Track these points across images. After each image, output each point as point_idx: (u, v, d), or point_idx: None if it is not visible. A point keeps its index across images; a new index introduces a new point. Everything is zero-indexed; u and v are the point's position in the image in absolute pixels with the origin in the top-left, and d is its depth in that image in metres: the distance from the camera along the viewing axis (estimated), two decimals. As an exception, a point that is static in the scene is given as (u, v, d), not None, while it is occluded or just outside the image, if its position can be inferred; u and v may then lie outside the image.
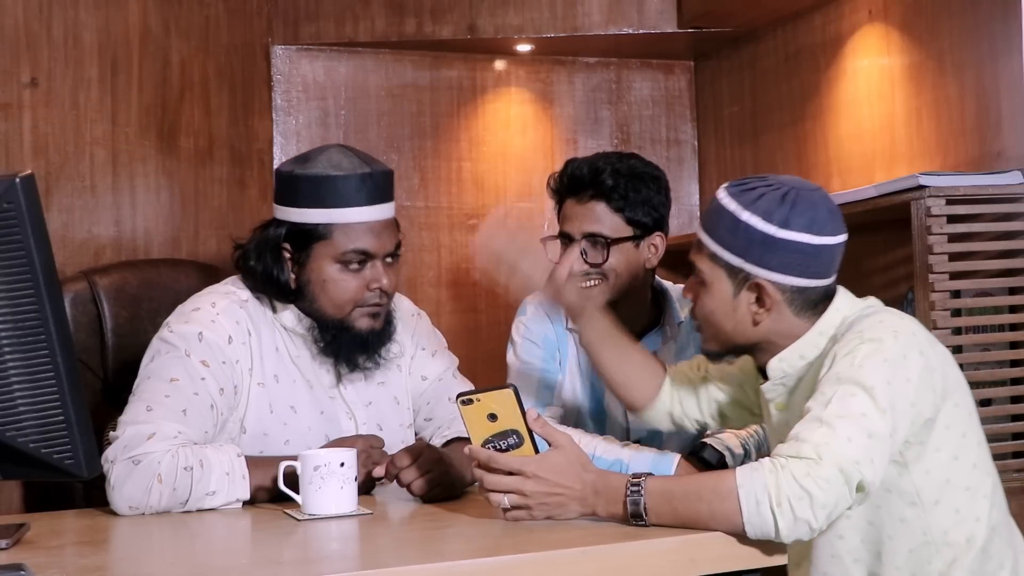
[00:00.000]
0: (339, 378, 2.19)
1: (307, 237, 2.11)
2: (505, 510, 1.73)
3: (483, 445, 1.75)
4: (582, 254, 2.38)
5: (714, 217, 1.80)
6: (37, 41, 2.89)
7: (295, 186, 2.12)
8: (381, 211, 2.13)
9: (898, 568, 1.71)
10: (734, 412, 2.07)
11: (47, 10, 2.90)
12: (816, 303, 1.80)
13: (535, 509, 1.72)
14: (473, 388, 1.80)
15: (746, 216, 1.75)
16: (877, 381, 1.64)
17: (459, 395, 1.77)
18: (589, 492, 1.72)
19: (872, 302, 1.84)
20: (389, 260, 2.16)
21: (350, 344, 2.15)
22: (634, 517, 1.68)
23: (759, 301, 1.78)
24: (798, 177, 1.86)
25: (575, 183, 2.39)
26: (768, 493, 1.58)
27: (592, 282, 2.40)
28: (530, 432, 1.76)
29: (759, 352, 1.84)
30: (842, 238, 1.80)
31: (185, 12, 3.18)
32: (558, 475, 1.72)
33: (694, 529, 1.65)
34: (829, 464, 1.58)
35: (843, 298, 1.83)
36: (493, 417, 1.76)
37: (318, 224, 2.10)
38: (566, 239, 2.42)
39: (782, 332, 1.80)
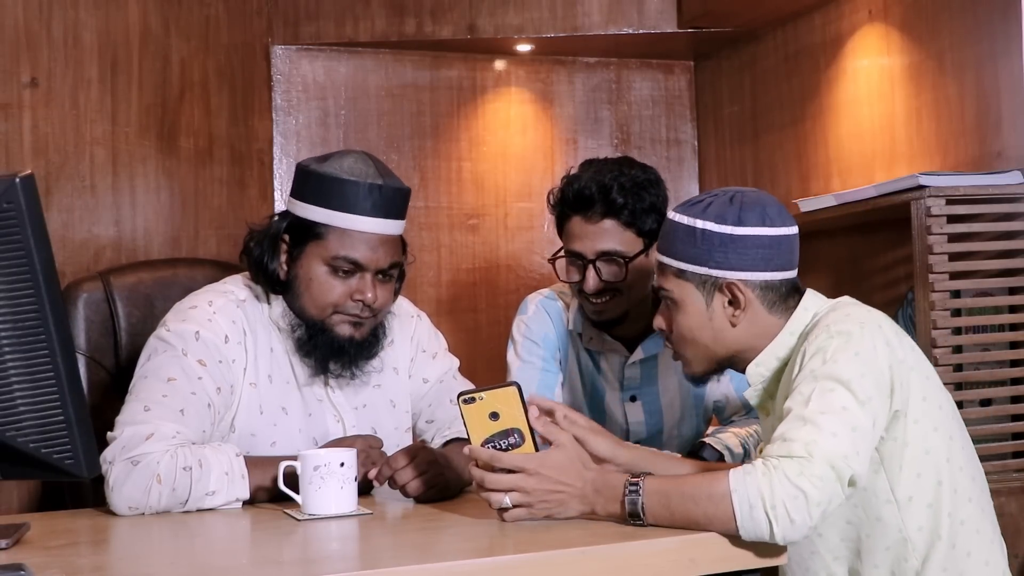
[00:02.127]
0: (327, 381, 2.18)
1: (304, 233, 2.11)
2: (503, 510, 1.72)
3: (483, 445, 1.75)
4: (596, 273, 2.36)
5: (671, 237, 1.86)
6: (37, 41, 2.88)
7: (305, 180, 2.12)
8: (383, 225, 2.09)
9: (876, 566, 1.74)
10: None
11: (47, 10, 2.90)
12: (786, 297, 1.84)
13: (536, 507, 1.72)
14: (475, 387, 1.79)
15: (701, 224, 1.81)
16: (852, 374, 1.66)
17: (460, 394, 1.76)
18: (590, 490, 1.72)
19: (842, 299, 1.87)
20: (381, 277, 2.12)
21: (325, 347, 2.12)
22: (632, 516, 1.68)
23: (733, 303, 1.83)
24: (739, 187, 1.93)
25: (583, 201, 2.34)
26: (761, 497, 1.59)
27: (605, 298, 2.39)
28: (532, 430, 1.75)
29: (740, 363, 1.87)
30: (794, 230, 1.85)
31: (185, 12, 3.18)
32: (559, 472, 1.72)
33: (691, 530, 1.65)
34: (820, 461, 1.59)
35: (812, 298, 1.86)
36: (495, 416, 1.75)
37: (317, 222, 2.09)
38: (577, 258, 2.38)
39: (759, 333, 1.84)
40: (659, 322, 1.91)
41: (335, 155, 2.14)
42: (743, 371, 1.88)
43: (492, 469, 1.73)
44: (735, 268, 1.81)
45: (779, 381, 1.83)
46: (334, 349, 2.12)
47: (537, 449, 1.75)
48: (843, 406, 1.64)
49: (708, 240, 1.81)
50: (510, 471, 1.71)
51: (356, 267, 2.09)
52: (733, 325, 1.83)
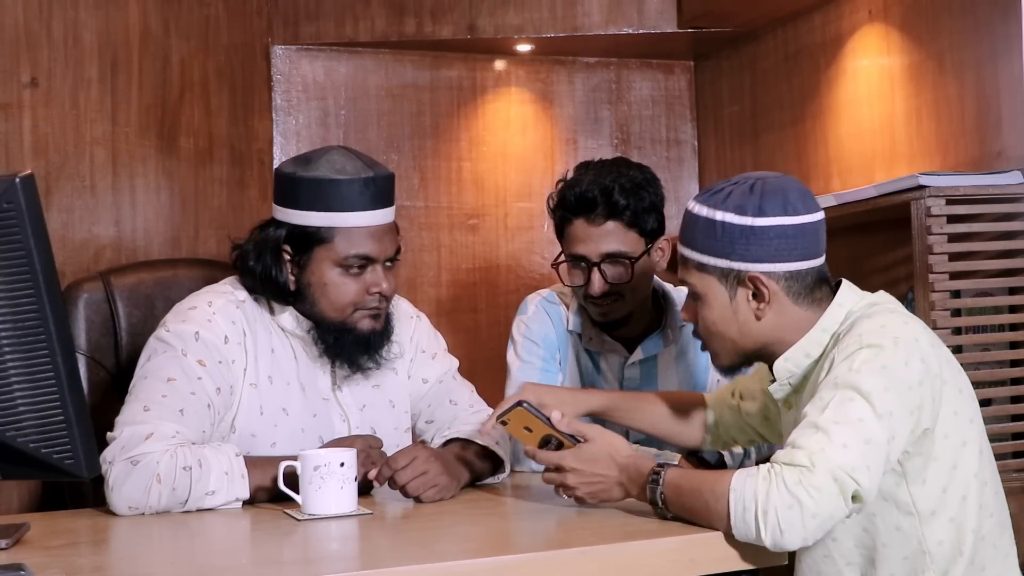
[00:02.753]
0: (335, 381, 2.19)
1: (308, 240, 2.11)
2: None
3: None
4: (601, 275, 2.36)
5: (691, 228, 1.81)
6: (37, 41, 2.88)
7: (296, 188, 2.11)
8: (383, 215, 2.13)
9: (893, 574, 1.71)
10: (764, 428, 2.06)
11: (47, 10, 2.90)
12: (812, 288, 1.79)
13: (585, 498, 1.83)
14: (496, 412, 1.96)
15: (720, 215, 1.76)
16: (875, 387, 1.63)
17: (496, 419, 1.93)
18: (624, 478, 1.80)
19: (879, 298, 1.82)
20: (389, 264, 2.15)
21: (352, 345, 2.14)
22: (652, 504, 1.73)
23: (757, 296, 1.78)
24: (765, 172, 1.87)
25: (585, 204, 2.33)
26: (756, 501, 1.58)
27: (610, 300, 2.38)
28: (563, 432, 1.87)
29: (770, 355, 1.83)
30: (819, 215, 1.79)
31: (185, 12, 3.18)
32: (593, 465, 1.82)
33: (699, 525, 1.66)
34: (822, 472, 1.57)
35: (847, 293, 1.81)
36: (528, 429, 1.89)
37: (319, 227, 2.09)
38: (581, 261, 2.38)
39: (786, 325, 1.79)
40: (685, 315, 1.89)
41: (315, 156, 2.14)
42: (770, 363, 1.85)
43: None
44: (757, 260, 1.75)
45: (807, 378, 1.80)
46: (361, 345, 2.15)
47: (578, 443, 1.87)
48: (859, 417, 1.61)
49: (728, 232, 1.75)
50: (555, 469, 1.85)
51: (367, 262, 2.11)
52: (758, 318, 1.78)
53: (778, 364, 1.81)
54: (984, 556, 1.72)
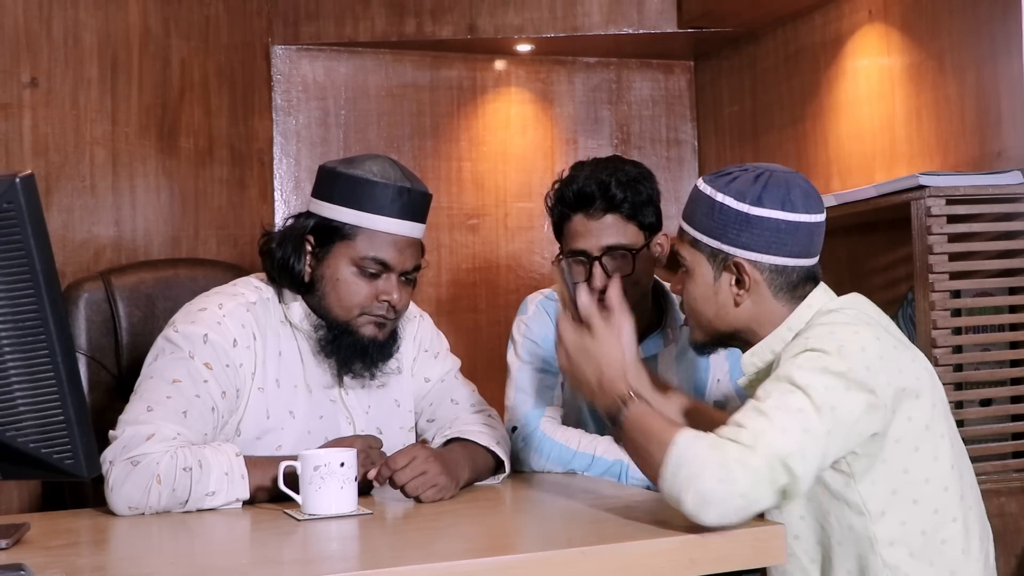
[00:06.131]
0: (341, 383, 2.19)
1: (332, 234, 2.12)
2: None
3: None
4: (603, 269, 2.36)
5: (693, 204, 1.87)
6: (37, 41, 2.88)
7: (333, 182, 2.13)
8: (410, 228, 2.13)
9: (849, 572, 1.74)
10: None
11: (47, 10, 2.90)
12: (796, 285, 1.83)
13: (563, 369, 1.88)
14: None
15: (720, 198, 1.82)
16: (815, 384, 1.66)
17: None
18: (603, 380, 1.80)
19: (848, 301, 1.84)
20: (404, 279, 2.15)
21: (349, 348, 2.14)
22: (611, 421, 1.76)
23: (739, 282, 1.83)
24: (780, 165, 1.91)
25: (583, 199, 2.35)
26: (692, 464, 1.60)
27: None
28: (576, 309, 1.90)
29: (742, 342, 1.88)
30: (819, 217, 1.83)
31: (185, 12, 3.19)
32: (583, 356, 1.84)
33: (637, 464, 1.71)
34: (762, 454, 1.60)
35: (818, 295, 1.84)
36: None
37: (345, 223, 2.11)
38: (581, 257, 2.39)
39: (763, 317, 1.83)
40: (675, 285, 1.94)
41: (360, 158, 2.17)
42: (744, 350, 1.89)
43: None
44: (746, 248, 1.81)
45: (766, 373, 1.83)
46: (357, 350, 2.14)
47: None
48: (799, 408, 1.65)
49: (724, 215, 1.81)
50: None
51: (383, 268, 2.11)
52: (736, 304, 1.84)
53: (745, 358, 1.86)
54: (949, 559, 1.73)
